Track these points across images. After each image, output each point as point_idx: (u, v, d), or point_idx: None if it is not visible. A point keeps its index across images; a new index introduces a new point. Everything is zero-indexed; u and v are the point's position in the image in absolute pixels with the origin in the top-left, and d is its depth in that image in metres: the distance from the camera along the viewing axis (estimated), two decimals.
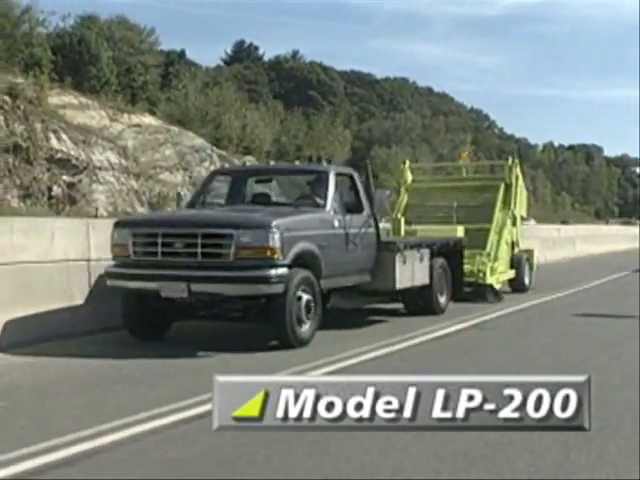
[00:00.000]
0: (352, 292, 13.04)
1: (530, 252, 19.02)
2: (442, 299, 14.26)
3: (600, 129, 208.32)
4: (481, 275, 16.02)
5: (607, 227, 55.53)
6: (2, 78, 26.24)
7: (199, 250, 10.12)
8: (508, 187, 17.84)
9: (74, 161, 26.20)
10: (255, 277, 10.02)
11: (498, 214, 17.32)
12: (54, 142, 26.11)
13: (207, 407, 5.49)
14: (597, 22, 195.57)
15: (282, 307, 10.22)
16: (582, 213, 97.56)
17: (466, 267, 15.93)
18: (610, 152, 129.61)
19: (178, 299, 10.33)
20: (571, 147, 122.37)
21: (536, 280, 18.84)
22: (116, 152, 29.16)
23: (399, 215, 16.87)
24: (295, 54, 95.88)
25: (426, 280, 13.62)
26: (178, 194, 13.63)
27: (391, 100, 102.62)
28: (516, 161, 18.28)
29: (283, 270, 10.17)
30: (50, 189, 25.01)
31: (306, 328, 10.58)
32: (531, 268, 18.66)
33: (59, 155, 25.82)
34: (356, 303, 14.83)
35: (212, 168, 28.81)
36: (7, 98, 24.64)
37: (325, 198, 11.58)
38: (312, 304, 10.64)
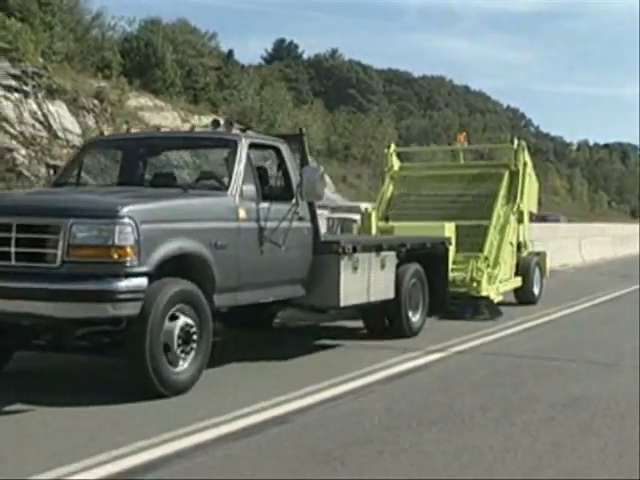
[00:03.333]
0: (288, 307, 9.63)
1: (542, 255, 15.14)
2: (415, 317, 10.57)
3: (635, 127, 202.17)
4: (475, 285, 12.37)
5: None
6: (86, 82, 27.16)
7: (12, 249, 6.55)
8: (514, 175, 14.08)
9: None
10: (91, 292, 6.36)
11: (500, 208, 13.57)
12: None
13: None
14: (630, 17, 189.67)
15: (139, 337, 6.69)
16: (619, 212, 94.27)
17: (457, 274, 12.30)
18: None
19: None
20: (606, 145, 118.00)
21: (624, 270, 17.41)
22: (189, 151, 29.05)
23: (370, 209, 13.22)
24: (334, 52, 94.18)
25: (390, 293, 9.94)
26: (55, 172, 10.07)
27: (428, 98, 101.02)
28: (523, 144, 14.38)
29: (140, 281, 6.56)
30: None
31: (184, 367, 6.97)
32: (542, 275, 14.86)
33: None
34: (314, 319, 11.45)
35: (274, 167, 29.08)
36: (96, 101, 25.26)
37: (229, 177, 8.00)
38: (194, 331, 7.09)
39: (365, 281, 9.35)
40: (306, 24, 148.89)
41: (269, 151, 8.91)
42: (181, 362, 6.98)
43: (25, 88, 21.67)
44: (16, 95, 21.31)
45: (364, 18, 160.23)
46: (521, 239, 14.25)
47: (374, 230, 12.73)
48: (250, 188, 8.00)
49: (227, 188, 7.80)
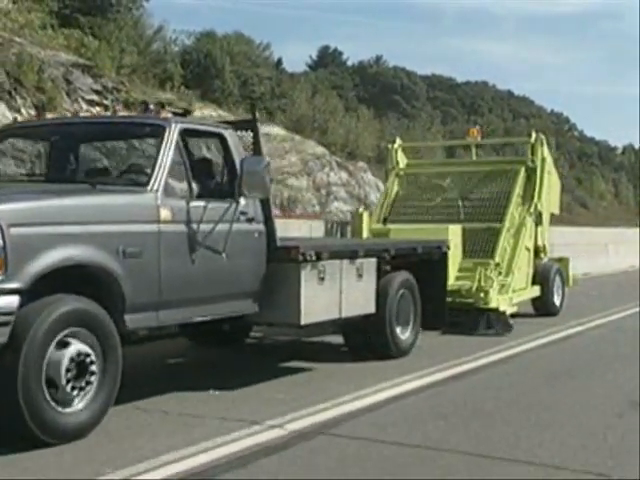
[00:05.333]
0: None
1: (564, 261, 13.42)
2: (404, 335, 8.91)
3: None
4: (482, 295, 10.70)
5: None
6: (154, 94, 26.81)
7: None
8: (531, 173, 12.39)
9: (220, 168, 28.10)
10: None
11: (514, 209, 11.90)
12: (204, 151, 28.45)
13: None
14: None
15: (10, 371, 5.16)
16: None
17: (462, 283, 10.71)
18: None
19: None
20: None
21: None
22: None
23: (361, 210, 11.61)
24: (379, 59, 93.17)
25: (370, 307, 8.30)
26: None
27: (472, 103, 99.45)
28: (542, 137, 12.65)
29: (7, 301, 5.02)
30: None
31: (78, 407, 5.41)
32: (564, 283, 13.09)
33: None
34: (296, 334, 9.97)
35: (332, 174, 28.93)
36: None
37: (152, 169, 6.40)
38: (92, 361, 5.55)
39: (335, 294, 7.74)
40: (344, 29, 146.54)
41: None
42: (75, 401, 5.44)
43: (105, 102, 21.45)
44: (97, 109, 21.05)
45: (402, 22, 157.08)
46: (539, 243, 12.51)
47: (365, 233, 11.15)
48: (179, 183, 6.44)
49: (147, 183, 6.24)
